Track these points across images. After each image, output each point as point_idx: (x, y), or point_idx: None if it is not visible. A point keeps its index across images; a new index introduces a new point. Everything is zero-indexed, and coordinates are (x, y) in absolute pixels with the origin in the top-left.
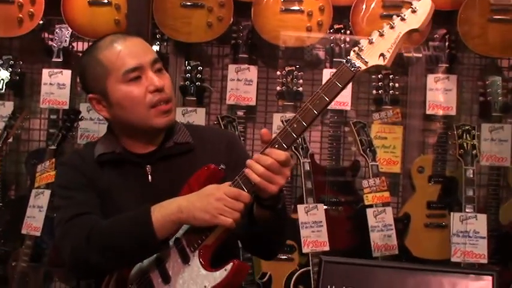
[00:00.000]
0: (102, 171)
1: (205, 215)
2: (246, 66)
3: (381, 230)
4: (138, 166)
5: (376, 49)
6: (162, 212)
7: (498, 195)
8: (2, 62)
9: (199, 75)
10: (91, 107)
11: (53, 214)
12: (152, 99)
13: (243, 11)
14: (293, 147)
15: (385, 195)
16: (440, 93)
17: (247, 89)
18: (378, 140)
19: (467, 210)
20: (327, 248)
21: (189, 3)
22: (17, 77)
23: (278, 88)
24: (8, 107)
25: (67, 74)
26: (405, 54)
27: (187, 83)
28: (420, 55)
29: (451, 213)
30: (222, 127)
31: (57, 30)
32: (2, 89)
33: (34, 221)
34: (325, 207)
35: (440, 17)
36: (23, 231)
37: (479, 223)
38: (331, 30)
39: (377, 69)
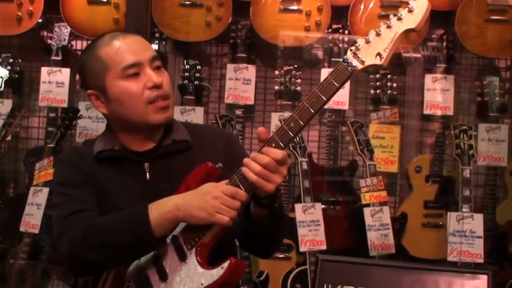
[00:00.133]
0: (100, 169)
1: (202, 213)
2: (245, 65)
3: (378, 229)
4: (136, 164)
5: (373, 48)
6: (159, 209)
7: (495, 195)
8: (1, 60)
9: (197, 74)
10: (90, 103)
11: (51, 212)
12: (150, 95)
13: (242, 10)
14: (291, 147)
15: (382, 194)
16: (438, 93)
17: (246, 88)
18: (376, 140)
19: (463, 210)
20: (324, 247)
21: (187, 3)
22: (16, 75)
23: (276, 87)
24: (7, 105)
25: (66, 72)
26: (403, 54)
27: (185, 82)
28: (418, 55)
29: (448, 213)
30: (221, 126)
31: (56, 28)
32: (0, 87)
33: (32, 218)
34: (323, 206)
35: (438, 17)
36: (21, 229)
37: (476, 223)
38: (330, 30)
39: (375, 68)
